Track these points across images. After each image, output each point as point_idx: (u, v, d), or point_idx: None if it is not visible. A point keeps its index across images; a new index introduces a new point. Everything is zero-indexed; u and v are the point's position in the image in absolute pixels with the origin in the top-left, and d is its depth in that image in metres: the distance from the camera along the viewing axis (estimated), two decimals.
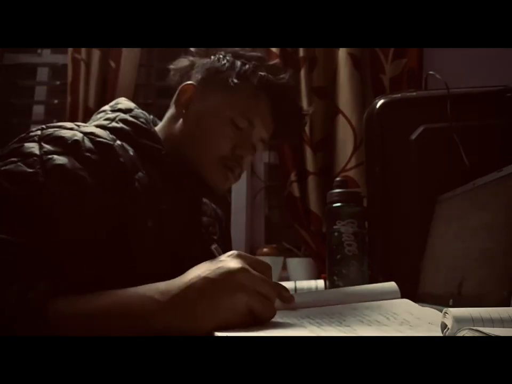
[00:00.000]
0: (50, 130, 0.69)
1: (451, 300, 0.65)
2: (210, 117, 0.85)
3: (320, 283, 0.91)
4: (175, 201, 0.79)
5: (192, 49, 0.91)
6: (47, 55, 1.85)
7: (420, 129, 0.90)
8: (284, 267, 1.53)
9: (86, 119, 1.59)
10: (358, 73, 1.48)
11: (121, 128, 0.77)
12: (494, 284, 0.59)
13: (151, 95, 1.77)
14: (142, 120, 0.81)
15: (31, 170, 0.62)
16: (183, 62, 0.91)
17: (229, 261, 0.55)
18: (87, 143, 0.69)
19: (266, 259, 1.50)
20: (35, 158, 0.64)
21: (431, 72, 0.96)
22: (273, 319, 0.54)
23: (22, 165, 0.63)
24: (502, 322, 0.42)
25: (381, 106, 0.94)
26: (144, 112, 0.85)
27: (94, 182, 0.66)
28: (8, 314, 0.52)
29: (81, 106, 1.61)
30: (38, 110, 1.81)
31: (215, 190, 0.87)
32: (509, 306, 0.52)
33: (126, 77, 1.62)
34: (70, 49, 1.66)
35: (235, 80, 0.84)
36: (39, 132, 0.69)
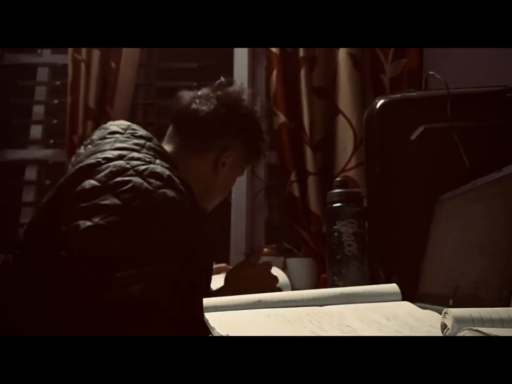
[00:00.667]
0: (136, 163, 0.73)
1: (451, 300, 0.65)
2: (230, 182, 1.07)
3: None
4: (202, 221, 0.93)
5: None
6: (47, 55, 1.85)
7: (420, 129, 0.90)
8: (284, 267, 1.53)
9: (86, 119, 1.59)
10: (358, 73, 1.48)
11: (153, 157, 0.83)
12: (494, 284, 0.59)
13: (151, 95, 1.77)
14: (163, 150, 0.87)
15: (157, 205, 0.69)
16: (207, 101, 1.00)
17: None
18: (175, 178, 0.75)
19: (267, 259, 1.50)
20: (153, 194, 0.69)
21: (431, 72, 0.96)
22: (274, 319, 0.55)
23: (146, 200, 0.68)
24: (502, 322, 0.42)
25: (381, 106, 0.94)
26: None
27: (190, 214, 0.75)
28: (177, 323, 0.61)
29: (82, 106, 1.61)
30: (38, 110, 1.81)
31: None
32: (509, 306, 0.52)
33: (126, 77, 1.62)
34: (70, 50, 1.66)
35: (255, 157, 1.09)
36: (127, 165, 0.73)
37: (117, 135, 0.84)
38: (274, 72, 1.54)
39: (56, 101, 1.78)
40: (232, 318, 0.58)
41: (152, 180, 0.71)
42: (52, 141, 1.76)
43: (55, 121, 1.76)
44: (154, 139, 0.88)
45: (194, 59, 1.72)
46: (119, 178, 0.70)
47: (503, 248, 0.60)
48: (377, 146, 0.94)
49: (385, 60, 1.49)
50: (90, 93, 1.62)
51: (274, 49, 1.55)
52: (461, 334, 0.39)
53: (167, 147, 0.95)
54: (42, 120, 1.79)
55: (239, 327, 0.53)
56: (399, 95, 0.97)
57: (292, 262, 1.52)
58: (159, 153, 0.84)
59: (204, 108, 0.98)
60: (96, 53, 1.63)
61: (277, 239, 1.64)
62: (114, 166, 0.72)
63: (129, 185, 0.69)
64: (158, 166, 0.75)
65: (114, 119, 0.94)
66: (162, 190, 0.70)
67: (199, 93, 1.01)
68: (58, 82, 1.79)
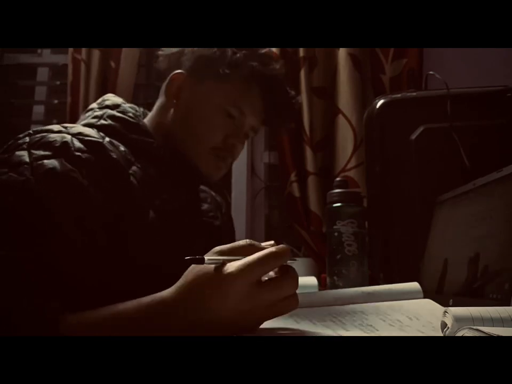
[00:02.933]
0: (38, 136, 0.68)
1: (451, 300, 0.65)
2: (202, 106, 0.84)
3: (312, 280, 0.91)
4: (173, 192, 0.79)
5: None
6: (47, 55, 1.85)
7: (420, 129, 0.90)
8: None
9: None
10: (358, 73, 1.48)
11: (109, 125, 0.77)
12: (494, 284, 0.59)
13: (151, 95, 1.77)
14: (130, 114, 0.80)
15: (22, 178, 0.61)
16: (171, 49, 0.90)
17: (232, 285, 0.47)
18: (76, 143, 0.68)
19: None
20: (25, 165, 0.63)
21: (431, 72, 0.96)
22: (294, 319, 0.55)
23: (13, 174, 0.62)
24: (502, 321, 0.42)
25: (381, 106, 0.94)
26: (133, 105, 0.85)
27: (87, 181, 0.65)
28: (22, 332, 0.52)
29: (81, 106, 1.61)
30: (38, 110, 1.81)
31: (208, 178, 0.87)
32: (509, 305, 0.52)
33: (126, 77, 1.62)
34: (70, 50, 1.66)
35: (226, 70, 0.83)
36: (27, 139, 0.68)
37: (88, 112, 0.82)
38: None
39: (56, 101, 1.78)
40: None
41: (37, 151, 0.65)
42: None
43: (55, 121, 1.76)
44: (125, 105, 0.82)
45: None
46: (9, 154, 0.65)
47: (503, 248, 0.60)
48: (377, 146, 0.95)
49: (385, 60, 1.49)
50: (90, 93, 1.62)
51: (274, 49, 1.55)
52: (460, 333, 0.39)
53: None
54: (42, 120, 1.79)
55: (261, 327, 0.52)
56: (399, 95, 0.97)
57: (291, 262, 1.52)
58: (116, 119, 0.78)
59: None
60: (96, 53, 1.63)
61: (277, 239, 1.64)
62: (12, 144, 0.68)
63: (4, 162, 0.64)
64: (60, 134, 0.68)
65: None
66: (40, 162, 0.63)
67: None
68: (58, 82, 1.79)
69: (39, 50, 1.85)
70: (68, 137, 0.68)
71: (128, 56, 1.62)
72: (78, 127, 0.72)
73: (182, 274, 0.51)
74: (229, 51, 0.84)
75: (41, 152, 0.65)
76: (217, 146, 0.84)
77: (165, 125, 0.85)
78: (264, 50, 0.89)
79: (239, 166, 1.60)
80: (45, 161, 0.64)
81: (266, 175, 1.69)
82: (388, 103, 0.94)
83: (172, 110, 0.86)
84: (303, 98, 1.50)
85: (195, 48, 0.86)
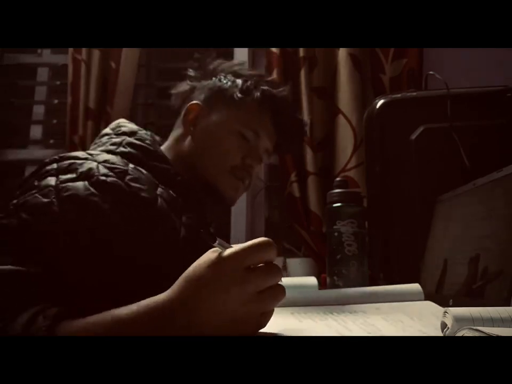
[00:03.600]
0: (66, 162, 0.70)
1: (451, 300, 0.65)
2: (219, 130, 0.90)
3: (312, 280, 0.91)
4: (191, 212, 0.81)
5: (190, 73, 0.97)
6: (47, 55, 1.85)
7: (420, 129, 0.90)
8: (284, 267, 1.53)
9: (86, 119, 1.59)
10: (358, 73, 1.48)
11: (129, 152, 0.79)
12: (494, 284, 0.59)
13: (151, 95, 1.77)
14: (148, 142, 0.84)
15: (46, 200, 0.64)
16: (183, 86, 0.96)
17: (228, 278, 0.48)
18: (102, 169, 0.70)
19: None
20: (50, 188, 0.65)
21: (431, 72, 0.96)
22: (297, 318, 0.55)
23: (39, 196, 0.64)
24: (502, 321, 0.42)
25: (381, 106, 0.94)
26: (147, 132, 0.88)
27: (108, 205, 0.66)
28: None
29: (82, 107, 1.61)
30: (38, 110, 1.80)
31: (228, 200, 0.92)
32: (509, 306, 0.52)
33: (126, 77, 1.62)
34: (70, 50, 1.66)
35: (239, 95, 0.89)
36: (55, 165, 0.70)
37: (104, 138, 0.84)
38: (274, 72, 1.54)
39: (56, 101, 1.78)
40: None
41: (64, 176, 0.67)
42: (52, 141, 1.76)
43: (55, 121, 1.76)
44: (141, 132, 0.85)
45: (195, 59, 1.72)
46: (38, 179, 0.68)
47: (503, 248, 0.60)
48: (377, 146, 0.95)
49: (385, 60, 1.49)
50: (90, 93, 1.62)
51: (274, 49, 1.55)
52: (460, 333, 0.39)
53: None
54: (42, 120, 1.79)
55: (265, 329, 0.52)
56: (399, 95, 0.97)
57: (291, 262, 1.52)
58: (135, 147, 0.81)
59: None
60: (96, 53, 1.63)
61: (277, 239, 1.64)
62: (38, 171, 0.70)
63: (38, 183, 0.66)
64: (87, 161, 0.70)
65: (114, 119, 0.94)
66: (65, 185, 0.65)
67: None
68: (58, 82, 1.78)
69: (39, 50, 1.85)
70: (94, 163, 0.71)
71: (128, 56, 1.62)
72: (103, 155, 0.74)
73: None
74: (240, 80, 0.92)
75: (68, 176, 0.67)
76: (236, 166, 0.89)
77: (183, 153, 0.90)
78: (271, 78, 0.99)
79: None
80: (69, 184, 0.66)
81: (266, 175, 1.69)
82: (388, 103, 0.94)
83: (189, 138, 0.91)
84: (303, 98, 1.50)
85: (206, 82, 0.93)
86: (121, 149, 0.80)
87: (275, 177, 1.64)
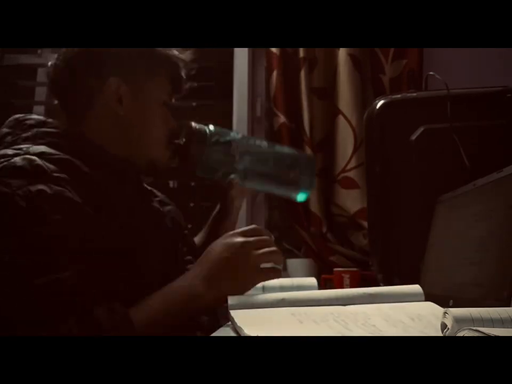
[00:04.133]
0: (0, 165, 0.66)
1: (451, 300, 0.65)
2: (149, 106, 0.88)
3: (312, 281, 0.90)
4: (124, 191, 0.80)
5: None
6: (47, 56, 1.85)
7: (420, 129, 0.90)
8: (284, 268, 1.53)
9: None
10: (358, 73, 1.48)
11: (49, 143, 0.75)
12: (494, 285, 0.59)
13: None
14: (62, 127, 0.80)
15: (17, 209, 0.61)
16: (68, 49, 0.88)
17: (233, 240, 0.74)
18: (48, 164, 0.67)
19: None
20: (13, 197, 0.62)
21: (431, 73, 0.96)
22: (298, 319, 0.55)
23: (7, 209, 0.61)
24: (502, 322, 0.42)
25: (381, 106, 0.94)
26: (53, 119, 0.84)
27: (76, 198, 0.66)
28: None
29: None
30: (38, 110, 1.80)
31: (164, 168, 0.91)
32: (509, 306, 0.52)
33: None
34: None
35: (153, 65, 0.88)
36: None
37: (7, 138, 0.77)
38: (274, 73, 1.54)
39: (56, 102, 1.77)
40: (257, 317, 0.58)
41: (10, 180, 0.63)
42: None
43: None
44: (50, 120, 0.80)
45: (194, 59, 1.72)
46: None
47: (503, 249, 0.60)
48: (377, 146, 0.94)
49: (385, 60, 1.49)
50: None
51: (274, 50, 1.55)
52: (460, 334, 0.39)
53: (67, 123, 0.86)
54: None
55: (266, 327, 0.52)
56: (399, 96, 0.97)
57: (292, 262, 1.52)
58: (53, 135, 0.76)
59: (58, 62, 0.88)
60: None
61: (277, 240, 1.64)
62: None
63: None
64: (24, 156, 0.66)
65: None
66: (25, 188, 0.62)
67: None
68: None
69: (39, 51, 1.85)
70: (36, 159, 0.67)
71: None
72: (34, 147, 0.71)
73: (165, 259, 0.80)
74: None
75: (19, 181, 0.63)
76: (168, 135, 0.90)
77: (108, 131, 0.85)
78: None
79: None
80: (30, 187, 0.63)
81: None
82: (388, 104, 0.94)
83: (116, 116, 0.85)
84: (303, 98, 1.50)
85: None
86: (39, 141, 0.75)
87: None
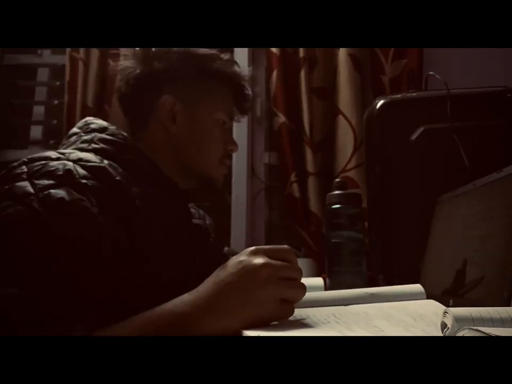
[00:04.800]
0: (37, 164, 0.67)
1: (451, 300, 0.65)
2: (203, 124, 0.88)
3: (319, 281, 0.91)
4: (170, 208, 0.80)
5: (137, 52, 0.88)
6: (47, 56, 1.85)
7: (420, 129, 0.90)
8: None
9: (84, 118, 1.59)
10: (358, 73, 1.48)
11: (101, 148, 0.76)
12: (494, 285, 0.59)
13: None
14: (119, 136, 0.81)
15: (31, 210, 0.60)
16: (133, 68, 0.87)
17: (250, 259, 0.57)
18: (80, 170, 0.67)
19: None
20: (31, 197, 0.62)
21: (431, 73, 0.96)
22: (300, 319, 0.55)
23: (20, 207, 0.61)
24: (502, 322, 0.42)
25: (381, 106, 0.94)
26: (117, 128, 0.84)
27: (96, 209, 0.65)
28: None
29: (79, 106, 1.60)
30: (38, 110, 1.80)
31: (219, 185, 0.92)
32: (509, 306, 0.52)
33: None
34: (68, 49, 1.65)
35: (213, 83, 0.88)
36: (24, 168, 0.67)
37: (73, 137, 0.80)
38: (274, 73, 1.54)
39: (56, 102, 1.78)
40: None
41: (40, 181, 0.63)
42: (52, 142, 1.76)
43: (55, 121, 1.76)
44: (112, 128, 0.81)
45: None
46: (8, 185, 0.64)
47: (503, 249, 0.60)
48: (377, 146, 0.94)
49: (385, 60, 1.49)
50: (88, 92, 1.61)
51: (274, 50, 1.55)
52: (461, 333, 0.39)
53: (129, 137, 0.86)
54: (42, 120, 1.79)
55: (266, 327, 0.52)
56: (399, 96, 0.97)
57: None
58: (108, 142, 0.78)
59: (123, 80, 0.88)
60: (94, 51, 1.63)
61: (277, 240, 1.64)
62: (8, 174, 0.66)
63: (7, 194, 0.62)
64: (62, 161, 0.67)
65: (112, 118, 0.94)
66: (47, 192, 0.62)
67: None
68: (58, 83, 1.78)
69: (39, 51, 1.85)
70: (70, 164, 0.68)
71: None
72: (76, 153, 0.72)
73: (188, 280, 0.62)
74: (205, 63, 0.88)
75: (45, 182, 0.64)
76: (223, 155, 0.90)
77: (162, 148, 0.86)
78: (223, 54, 0.91)
79: (239, 166, 1.60)
80: (51, 191, 0.63)
81: (266, 175, 1.69)
82: (388, 104, 0.94)
83: (169, 133, 0.86)
84: (303, 98, 1.50)
85: (159, 64, 0.86)
86: (93, 145, 0.77)
87: (275, 178, 1.64)
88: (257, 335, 0.47)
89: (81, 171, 0.67)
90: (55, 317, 0.56)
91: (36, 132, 1.78)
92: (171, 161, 0.86)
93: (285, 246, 0.62)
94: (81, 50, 1.63)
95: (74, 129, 0.83)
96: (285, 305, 0.55)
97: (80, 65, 1.63)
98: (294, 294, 0.57)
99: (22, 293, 0.56)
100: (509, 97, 0.88)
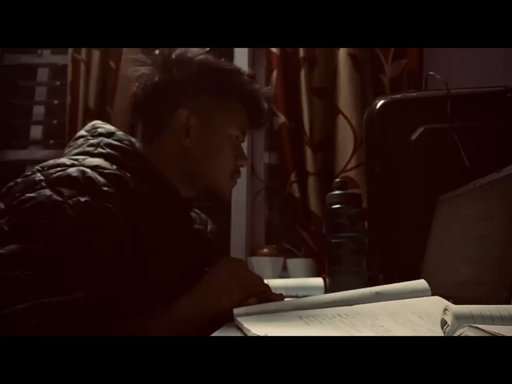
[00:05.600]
0: (53, 171, 0.69)
1: (451, 300, 0.65)
2: (215, 139, 0.88)
3: (319, 281, 0.91)
4: (174, 216, 0.82)
5: (157, 59, 0.88)
6: (47, 56, 1.85)
7: (420, 129, 0.90)
8: (284, 268, 1.53)
9: (85, 120, 1.59)
10: (358, 73, 1.48)
11: (108, 154, 0.77)
12: (493, 284, 0.59)
13: None
14: (126, 142, 0.81)
15: (66, 217, 0.63)
16: (151, 76, 0.87)
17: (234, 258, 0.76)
18: (99, 177, 0.69)
19: (267, 260, 1.50)
20: (63, 205, 0.64)
21: (431, 73, 0.96)
22: (306, 319, 0.56)
23: (57, 214, 0.63)
24: (502, 320, 0.42)
25: (381, 106, 0.94)
26: (125, 134, 0.85)
27: (120, 215, 0.68)
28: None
29: (81, 107, 1.61)
30: (38, 110, 1.81)
31: (226, 200, 0.93)
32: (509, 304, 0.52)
33: (126, 77, 1.62)
34: (70, 50, 1.66)
35: (232, 100, 0.88)
36: (40, 176, 0.68)
37: (80, 140, 0.82)
38: (274, 73, 1.54)
39: (56, 102, 1.78)
40: (264, 320, 0.58)
41: (63, 189, 0.65)
42: (52, 142, 1.76)
43: (55, 121, 1.76)
44: (119, 133, 0.83)
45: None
46: (25, 195, 0.65)
47: (503, 249, 0.60)
48: (377, 146, 0.95)
49: (385, 60, 1.49)
50: (90, 93, 1.62)
51: (274, 50, 1.55)
52: (460, 331, 0.39)
53: (138, 143, 0.87)
54: (42, 120, 1.79)
55: (273, 328, 0.52)
56: (399, 96, 0.97)
57: (292, 262, 1.52)
58: (114, 148, 0.79)
59: (140, 86, 0.88)
60: (96, 53, 1.64)
61: (277, 240, 1.64)
62: (25, 182, 0.68)
63: (33, 202, 0.64)
64: (79, 168, 0.69)
65: (114, 119, 0.94)
66: (75, 199, 0.65)
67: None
68: (58, 83, 1.79)
69: (39, 51, 1.85)
70: (89, 171, 0.69)
71: (129, 56, 1.62)
72: (89, 159, 0.73)
73: (185, 282, 0.71)
74: (221, 79, 0.87)
75: (70, 189, 0.66)
76: (233, 170, 0.90)
77: (175, 159, 0.86)
78: (244, 70, 0.92)
79: None
80: (80, 198, 0.65)
81: (266, 175, 1.69)
82: (388, 104, 0.94)
83: (182, 146, 0.86)
84: (303, 98, 1.51)
85: (178, 74, 0.85)
86: (100, 150, 0.78)
87: (275, 178, 1.64)
88: (264, 334, 0.47)
89: (101, 179, 0.69)
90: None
91: (36, 131, 1.79)
92: (180, 172, 0.86)
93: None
94: (83, 51, 1.63)
95: (82, 132, 0.84)
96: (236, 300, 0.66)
97: (82, 66, 1.63)
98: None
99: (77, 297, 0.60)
100: (509, 97, 0.88)
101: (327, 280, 0.91)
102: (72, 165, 0.70)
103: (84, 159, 0.73)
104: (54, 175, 0.68)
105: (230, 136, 0.89)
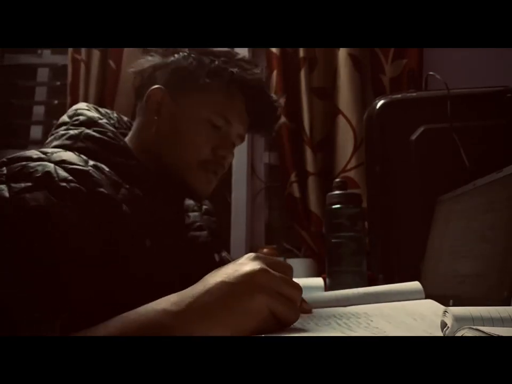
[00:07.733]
0: (17, 165, 0.62)
1: (451, 300, 0.65)
2: (186, 120, 0.80)
3: (319, 281, 0.91)
4: (160, 210, 0.75)
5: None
6: (47, 56, 1.85)
7: (420, 129, 0.90)
8: None
9: None
10: (358, 73, 1.48)
11: (86, 147, 0.71)
12: (494, 285, 0.59)
13: None
14: (109, 134, 0.75)
15: (4, 215, 0.56)
16: (142, 63, 0.85)
17: (247, 263, 0.52)
18: (61, 172, 0.62)
19: None
20: (7, 200, 0.57)
21: (431, 73, 0.96)
22: (299, 322, 0.53)
23: None
24: (502, 321, 0.42)
25: (381, 106, 0.94)
26: (109, 119, 0.81)
27: (75, 214, 0.60)
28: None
29: None
30: (38, 110, 1.81)
31: (199, 195, 0.83)
32: (509, 306, 0.52)
33: (126, 77, 1.62)
34: (70, 50, 1.66)
35: (206, 80, 0.79)
36: (4, 170, 0.62)
37: (61, 128, 0.76)
38: (275, 73, 1.54)
39: (56, 102, 1.78)
40: None
41: (17, 184, 0.59)
42: None
43: (55, 121, 1.76)
44: (102, 122, 0.76)
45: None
46: None
47: (503, 249, 0.60)
48: (377, 146, 0.95)
49: (385, 60, 1.49)
50: (90, 93, 1.62)
51: (274, 50, 1.55)
52: (460, 332, 0.39)
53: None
54: (42, 120, 1.79)
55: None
56: (399, 95, 0.97)
57: (292, 262, 1.52)
58: (94, 140, 0.72)
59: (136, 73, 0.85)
60: (96, 53, 1.64)
61: (277, 240, 1.64)
62: None
63: None
64: (41, 163, 0.62)
65: None
66: (22, 195, 0.58)
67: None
68: (58, 83, 1.79)
69: (39, 51, 1.85)
70: (51, 166, 0.63)
71: (128, 56, 1.62)
72: (59, 153, 0.66)
73: (175, 283, 0.58)
74: (207, 60, 0.81)
75: (22, 185, 0.59)
76: (207, 159, 0.80)
77: (147, 143, 0.81)
78: (242, 56, 0.86)
79: (239, 166, 1.60)
80: (27, 195, 0.58)
81: (266, 175, 1.69)
82: (388, 104, 0.94)
83: (154, 128, 0.80)
84: (303, 98, 1.51)
85: (169, 60, 0.82)
86: (79, 143, 0.71)
87: (275, 178, 1.64)
88: (257, 335, 0.47)
89: (62, 173, 0.62)
90: (40, 317, 0.53)
91: (36, 131, 1.79)
92: (148, 158, 0.79)
93: (287, 263, 0.57)
94: (83, 51, 1.64)
95: (64, 118, 0.78)
96: (271, 321, 0.50)
97: (82, 66, 1.63)
98: (285, 312, 0.50)
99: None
100: (509, 97, 0.89)
101: (327, 280, 0.91)
102: (39, 159, 0.64)
103: (53, 153, 0.66)
104: (16, 169, 0.62)
105: (205, 119, 0.80)
